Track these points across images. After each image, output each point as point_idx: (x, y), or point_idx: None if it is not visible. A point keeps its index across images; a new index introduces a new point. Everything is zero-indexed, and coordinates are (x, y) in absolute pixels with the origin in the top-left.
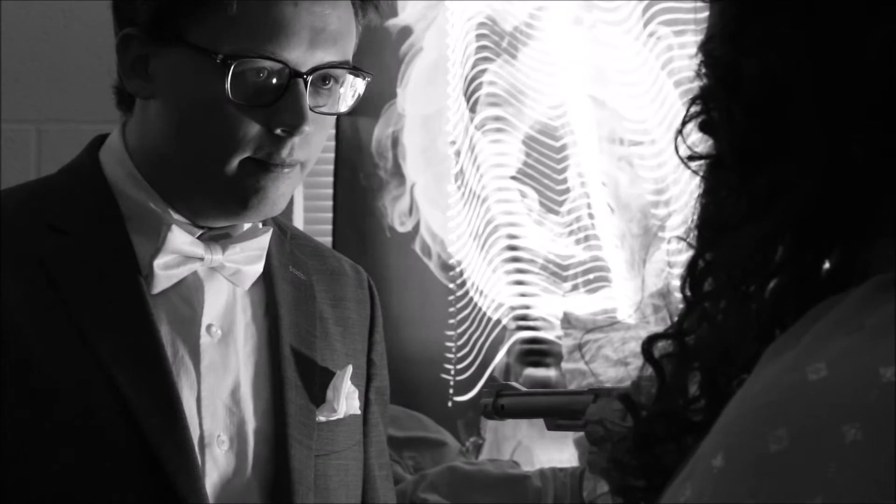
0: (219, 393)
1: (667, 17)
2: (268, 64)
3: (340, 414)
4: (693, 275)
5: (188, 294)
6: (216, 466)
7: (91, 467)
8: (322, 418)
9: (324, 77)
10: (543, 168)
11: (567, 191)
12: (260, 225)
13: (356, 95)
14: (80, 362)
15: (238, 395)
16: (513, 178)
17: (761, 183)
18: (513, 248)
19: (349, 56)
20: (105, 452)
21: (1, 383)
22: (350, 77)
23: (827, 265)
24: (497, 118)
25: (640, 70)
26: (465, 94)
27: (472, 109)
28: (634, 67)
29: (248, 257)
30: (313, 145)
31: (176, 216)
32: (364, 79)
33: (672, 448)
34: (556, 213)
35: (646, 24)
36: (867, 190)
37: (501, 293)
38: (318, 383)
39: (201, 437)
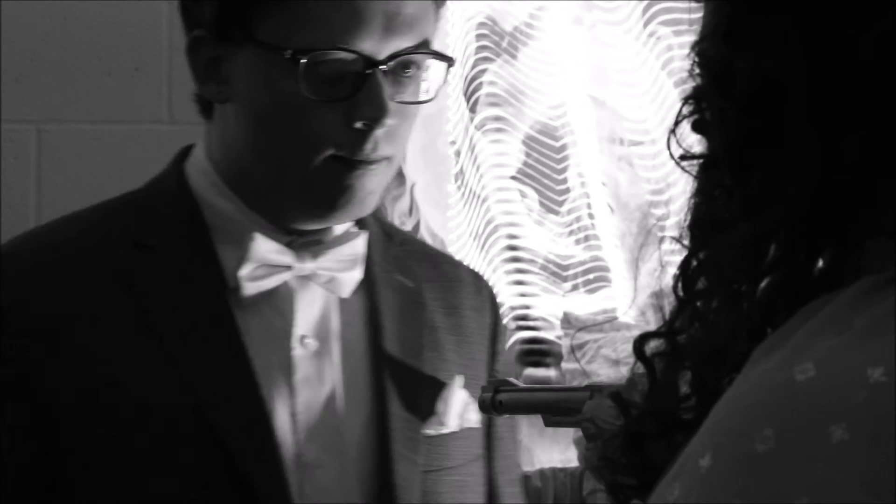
0: (315, 407)
1: (667, 17)
2: (341, 55)
3: (452, 427)
4: (685, 274)
5: (279, 304)
6: (313, 485)
7: (176, 489)
8: (431, 432)
9: (404, 64)
10: (543, 168)
11: (567, 191)
12: (355, 229)
13: (437, 83)
14: (164, 379)
15: (335, 409)
16: (513, 178)
17: (754, 182)
18: (513, 248)
19: (429, 38)
20: (190, 473)
21: (85, 403)
22: (432, 62)
23: (819, 264)
24: (497, 118)
25: (640, 70)
26: (465, 94)
27: (472, 109)
28: (634, 67)
29: (342, 264)
30: (399, 138)
31: (263, 223)
32: (448, 63)
33: (662, 446)
34: (556, 213)
35: (646, 24)
36: (860, 190)
37: (501, 293)
38: (426, 395)
39: (297, 455)
